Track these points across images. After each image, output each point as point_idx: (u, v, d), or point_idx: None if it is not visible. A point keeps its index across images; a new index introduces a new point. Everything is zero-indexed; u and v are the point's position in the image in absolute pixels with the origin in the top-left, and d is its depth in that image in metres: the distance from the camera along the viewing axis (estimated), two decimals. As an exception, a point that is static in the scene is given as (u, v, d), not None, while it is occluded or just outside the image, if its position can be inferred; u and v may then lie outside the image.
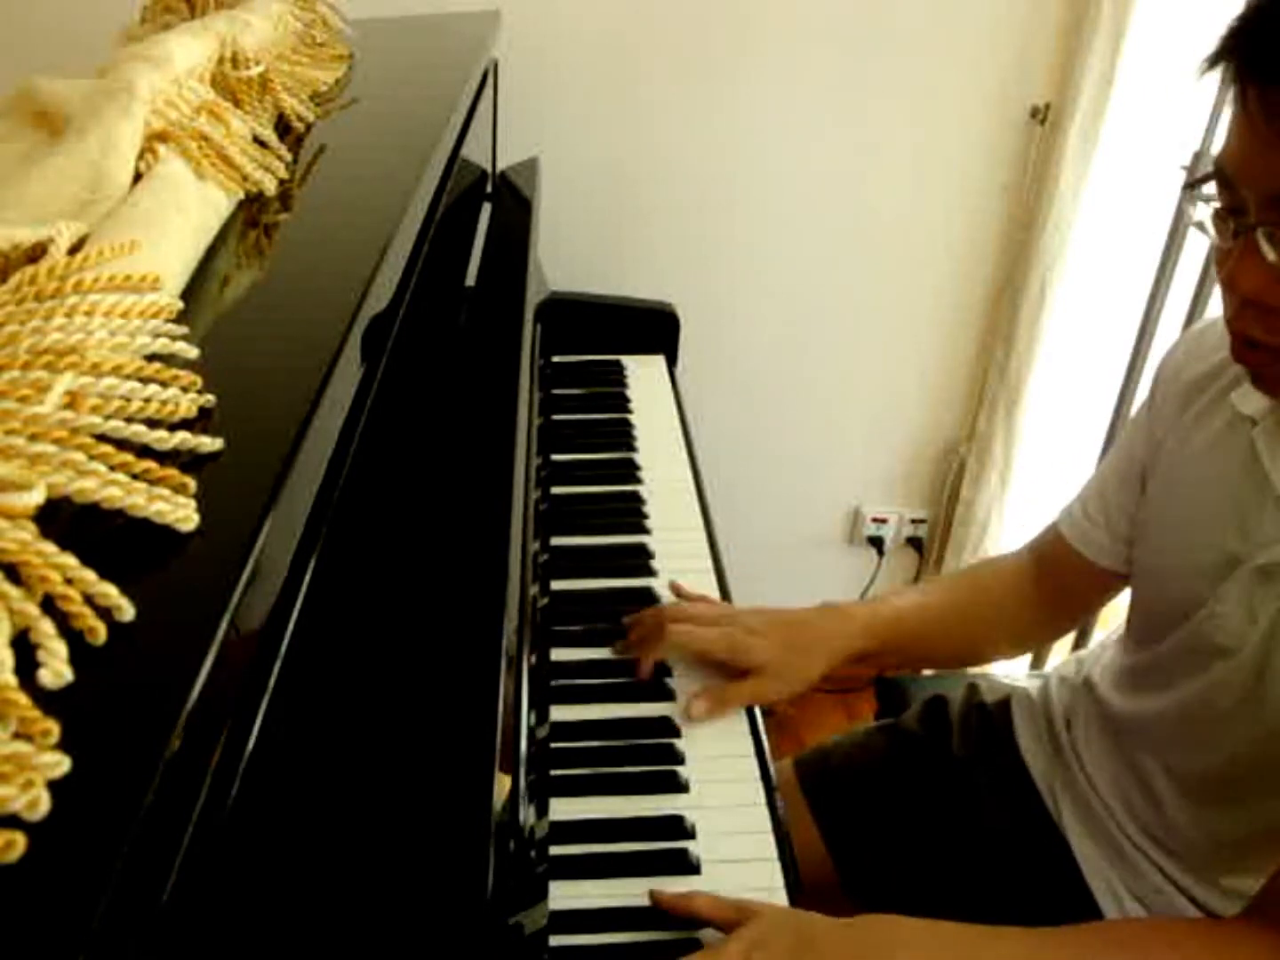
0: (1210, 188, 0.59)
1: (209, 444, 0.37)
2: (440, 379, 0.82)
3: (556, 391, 1.22)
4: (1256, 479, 0.67)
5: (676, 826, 0.70)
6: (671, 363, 1.31)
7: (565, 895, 0.65)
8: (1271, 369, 0.61)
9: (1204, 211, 0.59)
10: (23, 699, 0.26)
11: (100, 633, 0.29)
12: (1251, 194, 0.55)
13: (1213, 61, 0.56)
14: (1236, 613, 0.68)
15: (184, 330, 0.43)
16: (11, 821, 0.24)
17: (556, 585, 0.91)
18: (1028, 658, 1.72)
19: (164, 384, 0.39)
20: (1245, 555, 0.68)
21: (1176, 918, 0.72)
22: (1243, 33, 0.55)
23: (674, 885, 0.66)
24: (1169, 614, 0.74)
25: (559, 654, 0.83)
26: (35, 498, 0.31)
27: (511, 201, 1.23)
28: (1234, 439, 0.70)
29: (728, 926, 0.61)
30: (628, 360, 1.30)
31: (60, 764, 0.25)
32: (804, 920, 0.61)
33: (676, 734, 0.77)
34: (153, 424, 0.37)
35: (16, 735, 0.26)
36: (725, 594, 0.92)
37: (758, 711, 0.80)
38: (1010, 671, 1.05)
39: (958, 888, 0.65)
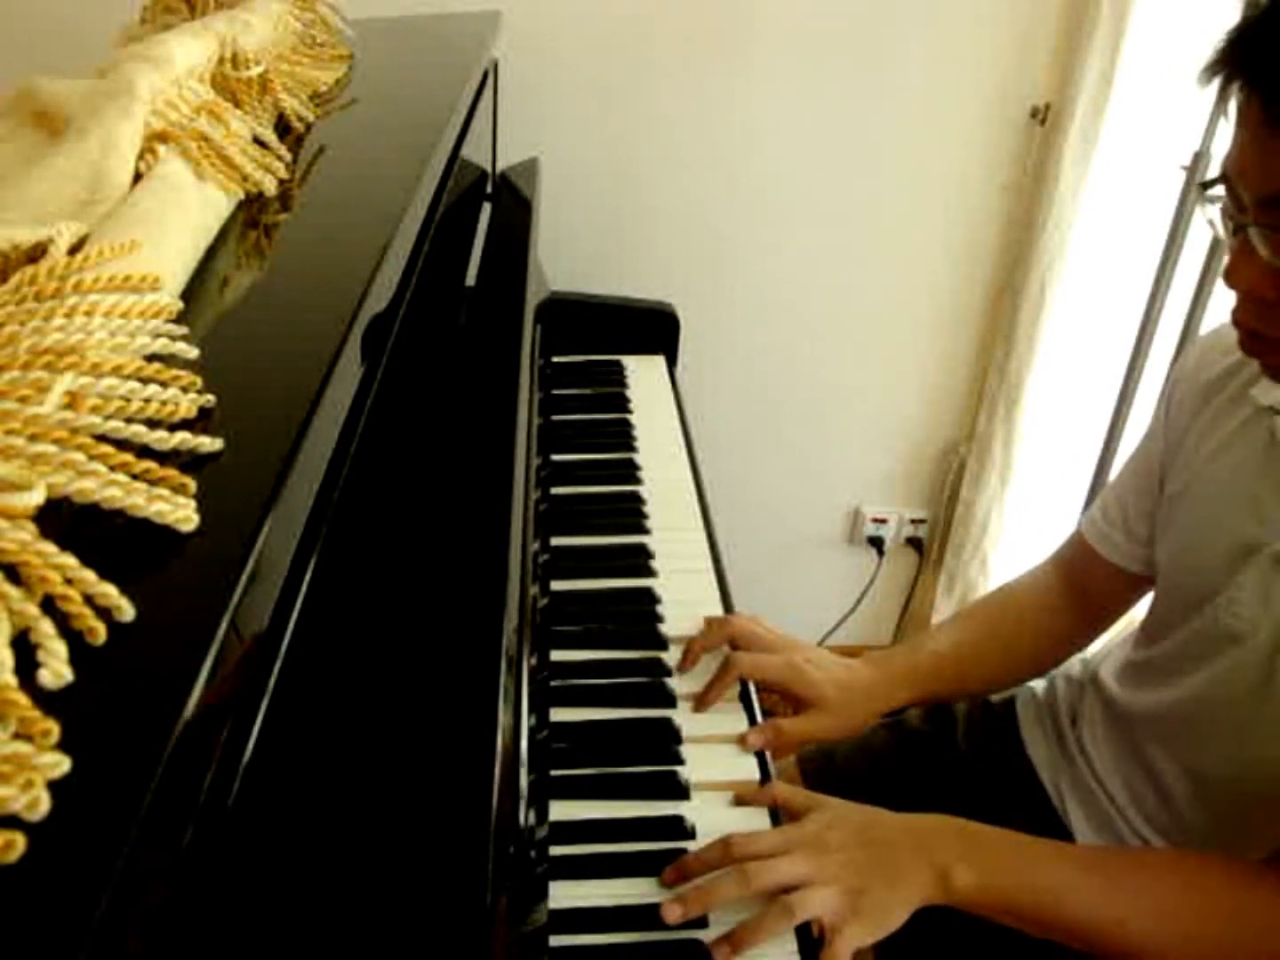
0: (1220, 188, 0.61)
1: (209, 444, 0.37)
2: (440, 379, 0.81)
3: (557, 391, 1.22)
4: (1276, 467, 0.69)
5: (677, 827, 0.70)
6: (671, 363, 1.31)
7: (565, 895, 0.65)
8: (1275, 359, 0.63)
9: (1214, 210, 0.61)
10: (23, 699, 0.26)
11: (100, 633, 0.29)
12: (1247, 194, 0.57)
13: (1212, 69, 0.58)
14: (1252, 599, 0.69)
15: (184, 330, 0.43)
16: (11, 821, 0.24)
17: (556, 585, 0.91)
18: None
19: (164, 384, 0.39)
20: (1263, 542, 0.69)
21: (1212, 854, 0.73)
22: (1240, 40, 0.56)
23: (674, 885, 0.66)
24: (1185, 604, 0.75)
25: (559, 654, 0.83)
26: (35, 498, 0.31)
27: (511, 201, 1.23)
28: (1253, 431, 0.71)
29: (800, 813, 0.69)
30: (628, 360, 1.29)
31: (60, 764, 0.25)
32: (869, 809, 0.70)
33: (677, 735, 0.77)
34: (153, 424, 0.37)
35: (16, 735, 0.26)
36: (725, 594, 0.92)
37: (758, 712, 0.80)
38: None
39: None
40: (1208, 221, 0.62)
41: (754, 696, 0.81)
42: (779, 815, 0.72)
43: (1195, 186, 0.63)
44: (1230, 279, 0.60)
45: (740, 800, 0.72)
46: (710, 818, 0.71)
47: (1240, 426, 0.73)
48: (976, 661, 0.90)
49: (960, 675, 0.89)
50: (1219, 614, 0.71)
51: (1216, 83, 0.58)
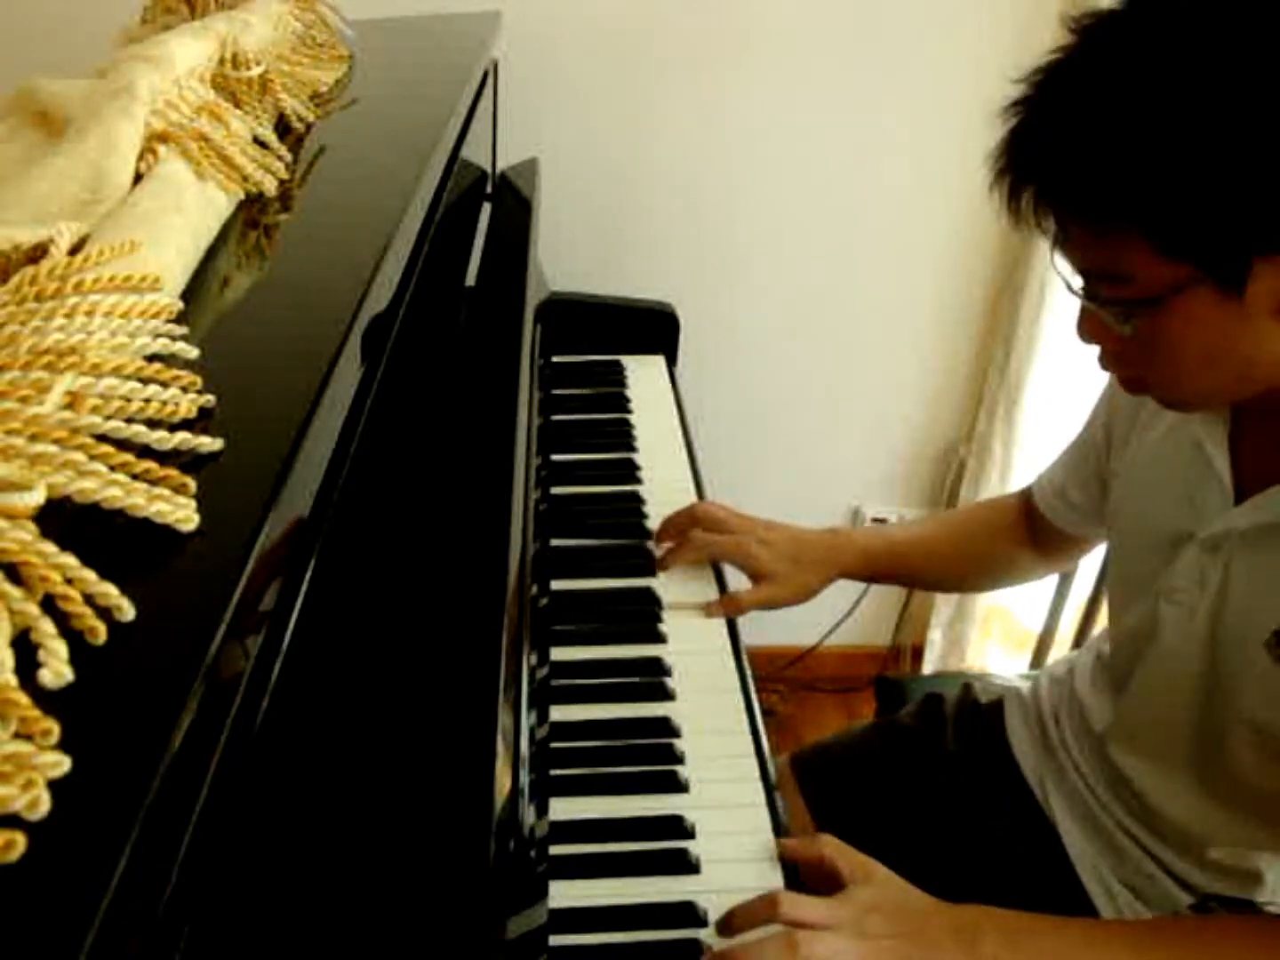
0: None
1: (209, 444, 0.37)
2: (440, 379, 0.82)
3: (556, 391, 1.22)
4: (1201, 457, 0.72)
5: (676, 826, 0.70)
6: (671, 363, 1.31)
7: (565, 895, 0.65)
8: (1152, 394, 0.67)
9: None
10: (23, 699, 0.27)
11: (100, 633, 0.29)
12: (1072, 266, 0.63)
13: (1000, 178, 0.62)
14: (1189, 584, 0.72)
15: (184, 330, 0.43)
16: (11, 821, 0.24)
17: (556, 585, 0.91)
18: (1027, 658, 1.72)
19: (164, 384, 0.39)
20: (1195, 530, 0.72)
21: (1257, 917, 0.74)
22: (1011, 150, 0.61)
23: (674, 885, 0.66)
24: (1133, 592, 0.78)
25: (559, 654, 0.83)
26: (35, 498, 0.31)
27: (511, 201, 1.23)
28: (1186, 425, 0.74)
29: (838, 876, 0.65)
30: (628, 360, 1.29)
31: (60, 764, 0.25)
32: (912, 895, 0.65)
33: (676, 734, 0.77)
34: (153, 424, 0.37)
35: (16, 735, 0.26)
36: (725, 593, 0.92)
37: (757, 711, 0.80)
38: (1005, 673, 1.06)
39: (951, 882, 0.67)
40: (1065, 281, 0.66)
41: (752, 692, 0.82)
42: (778, 814, 0.72)
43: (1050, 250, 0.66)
44: (1080, 334, 0.66)
45: (789, 854, 0.68)
46: (710, 817, 0.71)
47: (1174, 423, 0.76)
48: (928, 558, 1.00)
49: (910, 566, 1.00)
50: (1158, 602, 0.74)
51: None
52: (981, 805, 0.91)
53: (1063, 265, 0.64)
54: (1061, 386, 1.56)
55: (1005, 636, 1.79)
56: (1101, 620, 1.58)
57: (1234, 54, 0.53)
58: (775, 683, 1.82)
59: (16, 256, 0.43)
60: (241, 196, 0.60)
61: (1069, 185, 0.58)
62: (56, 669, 0.28)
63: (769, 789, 0.74)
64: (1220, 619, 0.69)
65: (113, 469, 0.34)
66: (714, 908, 0.64)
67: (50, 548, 0.30)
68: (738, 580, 0.94)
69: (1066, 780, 0.87)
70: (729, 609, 0.89)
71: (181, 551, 0.33)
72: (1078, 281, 0.63)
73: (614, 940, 0.63)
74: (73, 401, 0.36)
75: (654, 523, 1.00)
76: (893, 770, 0.97)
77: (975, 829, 0.91)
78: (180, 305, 0.45)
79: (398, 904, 0.44)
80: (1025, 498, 0.99)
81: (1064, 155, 0.58)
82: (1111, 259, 0.59)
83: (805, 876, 0.68)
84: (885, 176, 1.49)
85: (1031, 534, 0.98)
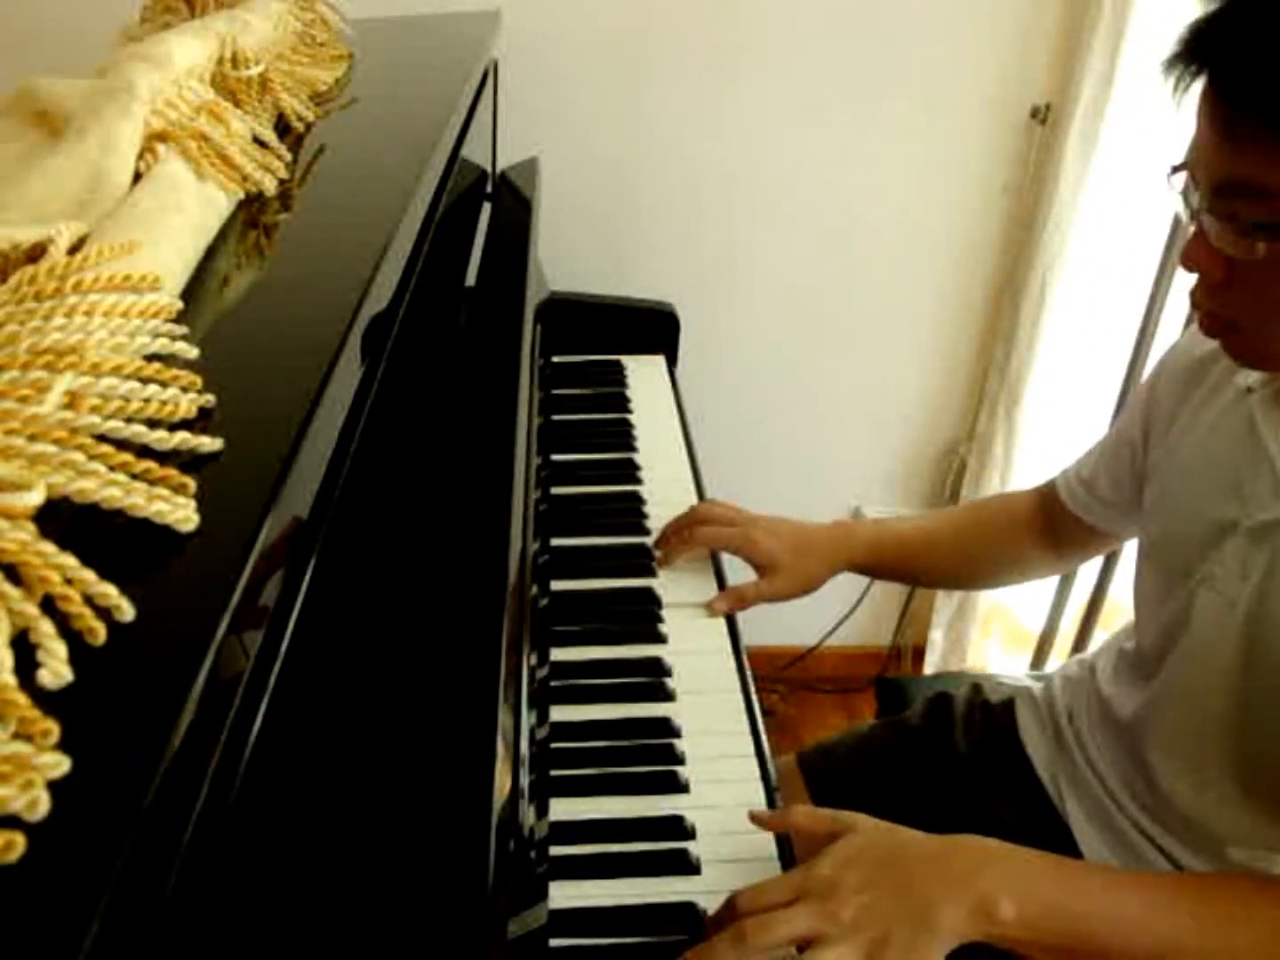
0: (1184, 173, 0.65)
1: (209, 444, 0.37)
2: (440, 379, 0.82)
3: (556, 391, 1.22)
4: (1253, 444, 0.71)
5: (676, 826, 0.70)
6: (671, 363, 1.31)
7: (565, 895, 0.65)
8: (1231, 341, 0.66)
9: (1178, 194, 0.65)
10: (23, 699, 0.26)
11: (100, 633, 0.29)
12: (1203, 182, 0.61)
13: (1175, 60, 0.61)
14: (1231, 573, 0.70)
15: (184, 330, 0.43)
16: (11, 821, 0.24)
17: (556, 585, 0.91)
18: (1027, 658, 1.72)
19: (164, 384, 0.39)
20: (1241, 518, 0.70)
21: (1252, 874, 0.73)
22: (1201, 31, 0.60)
23: (674, 886, 0.66)
24: (1170, 582, 0.77)
25: (559, 654, 0.83)
26: (35, 498, 0.31)
27: (511, 201, 1.23)
28: (1236, 413, 0.73)
29: (821, 839, 0.64)
30: (628, 360, 1.29)
31: (60, 764, 0.25)
32: (896, 838, 0.63)
33: (676, 734, 0.77)
34: (153, 424, 0.37)
35: (16, 735, 0.26)
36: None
37: (758, 711, 0.80)
38: (1013, 673, 1.06)
39: None
40: (1175, 203, 0.65)
41: (752, 692, 0.81)
42: (773, 796, 0.72)
43: (1169, 171, 0.65)
44: (1185, 260, 0.63)
45: (760, 824, 0.68)
46: (711, 817, 0.71)
47: (1224, 410, 0.75)
48: (935, 552, 0.99)
49: (917, 560, 0.99)
50: (1199, 590, 0.72)
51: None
52: (993, 804, 0.91)
53: (1178, 183, 0.63)
54: (1061, 386, 1.56)
55: (1006, 636, 1.79)
56: (1105, 621, 1.58)
57: None
58: (775, 683, 1.83)
59: (16, 256, 0.43)
60: (241, 196, 0.60)
61: (1258, 72, 0.55)
62: (56, 669, 0.28)
63: (769, 789, 0.74)
64: (1261, 611, 0.68)
65: (112, 469, 0.34)
66: (714, 908, 0.64)
67: (50, 548, 0.30)
68: (739, 580, 0.94)
69: (1080, 777, 0.86)
70: (733, 602, 0.89)
71: (181, 551, 0.33)
72: (1194, 203, 0.62)
73: (614, 941, 0.63)
74: (72, 401, 0.36)
75: (654, 523, 1.00)
76: (902, 770, 0.96)
77: (987, 828, 0.90)
78: (180, 305, 0.45)
79: (397, 905, 0.44)
80: (1043, 492, 0.97)
81: (1264, 39, 0.55)
82: (1268, 169, 0.56)
83: (801, 855, 0.67)
84: (886, 176, 1.49)
85: (1048, 529, 0.97)
